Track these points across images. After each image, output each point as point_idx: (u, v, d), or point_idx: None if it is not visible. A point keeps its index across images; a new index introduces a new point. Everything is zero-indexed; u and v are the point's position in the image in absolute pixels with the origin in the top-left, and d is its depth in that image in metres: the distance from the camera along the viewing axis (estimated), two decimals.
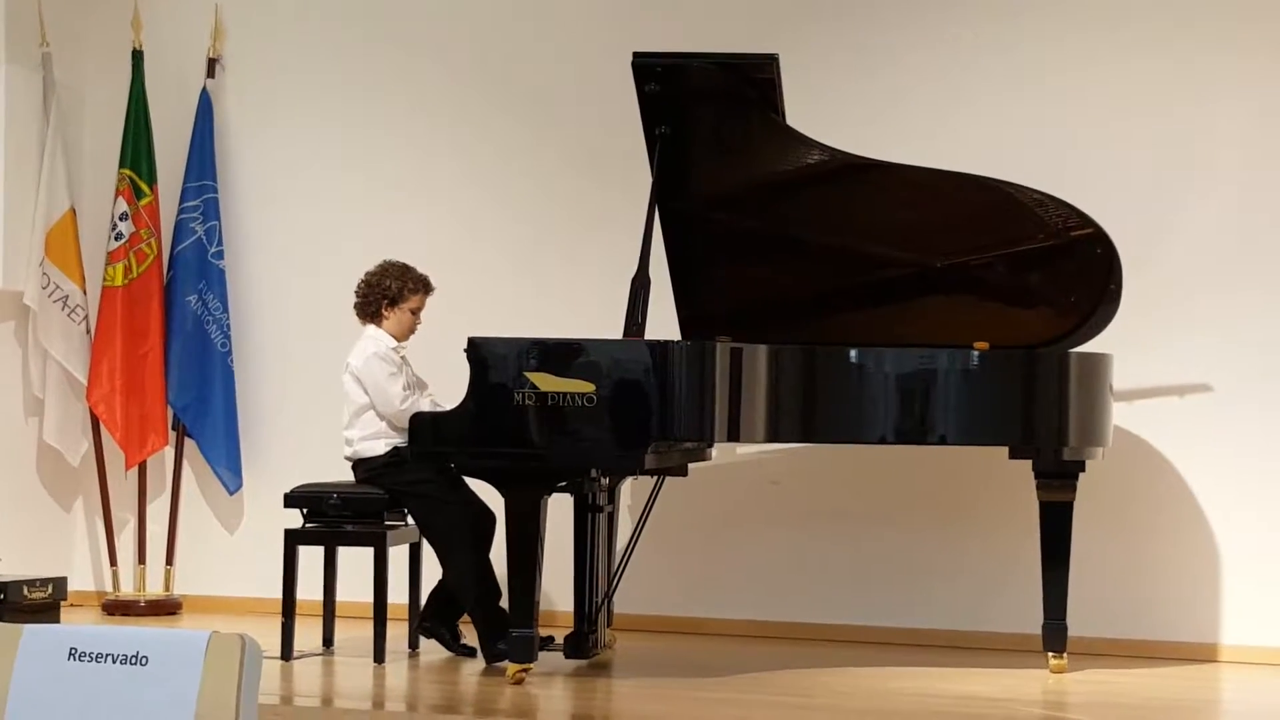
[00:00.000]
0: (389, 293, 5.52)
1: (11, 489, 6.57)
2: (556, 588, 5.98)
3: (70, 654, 2.34)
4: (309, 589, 5.57)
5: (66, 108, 6.72)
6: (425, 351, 5.64)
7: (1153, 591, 5.90)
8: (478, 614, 5.38)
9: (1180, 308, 5.90)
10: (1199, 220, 5.92)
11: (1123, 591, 5.89)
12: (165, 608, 6.69)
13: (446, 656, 5.54)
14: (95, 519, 6.85)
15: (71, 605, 6.35)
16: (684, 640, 6.12)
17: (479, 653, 5.41)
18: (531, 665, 5.04)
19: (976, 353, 5.22)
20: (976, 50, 6.17)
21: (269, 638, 5.09)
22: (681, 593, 6.33)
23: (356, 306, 5.58)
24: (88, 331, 6.69)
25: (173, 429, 6.76)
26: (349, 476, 5.54)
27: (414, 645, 5.66)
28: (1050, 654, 5.36)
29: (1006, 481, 5.70)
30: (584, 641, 5.46)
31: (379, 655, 5.37)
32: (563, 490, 5.22)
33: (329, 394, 5.90)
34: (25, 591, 5.77)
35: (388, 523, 5.46)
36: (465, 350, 4.99)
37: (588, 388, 4.87)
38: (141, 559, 6.76)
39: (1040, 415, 5.29)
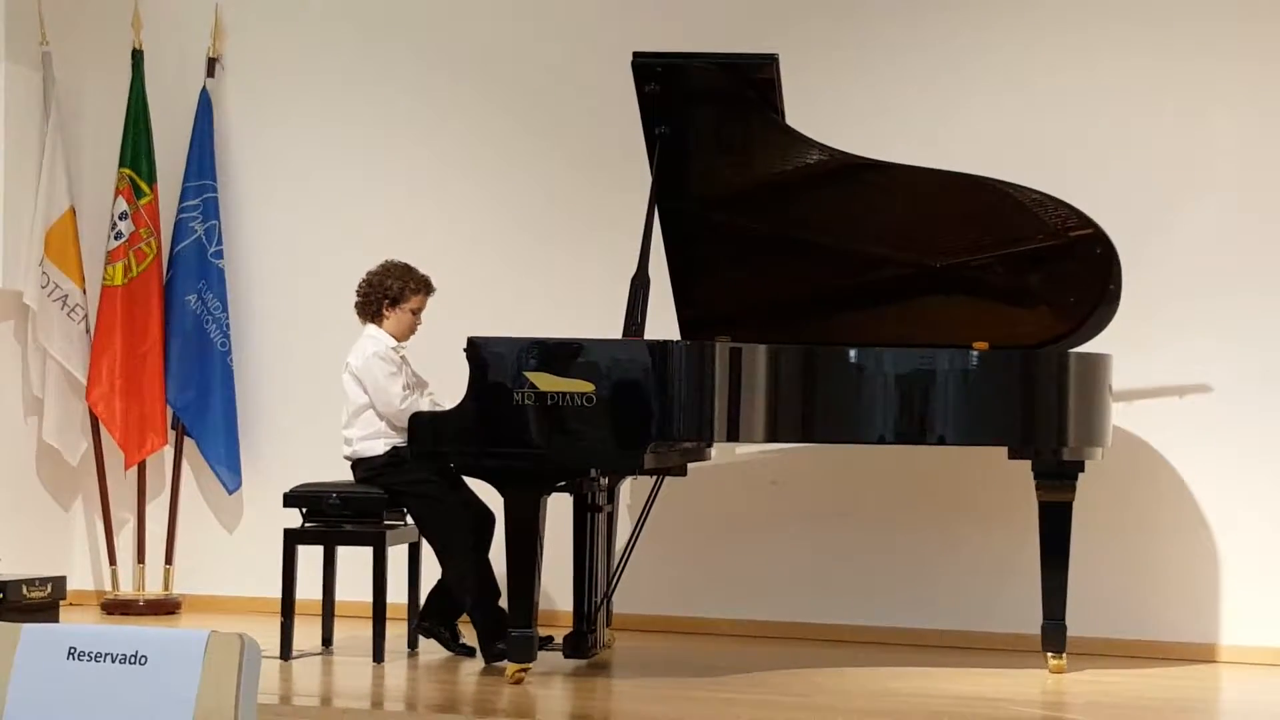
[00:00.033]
0: (390, 292, 5.52)
1: (11, 488, 6.57)
2: (556, 587, 5.98)
3: (69, 653, 2.34)
4: (308, 588, 5.57)
5: (66, 107, 6.73)
6: (425, 351, 5.64)
7: (1152, 592, 5.90)
8: (477, 614, 5.38)
9: (1179, 308, 5.90)
10: (1198, 220, 5.93)
11: (1122, 592, 5.90)
12: (164, 607, 6.69)
13: (446, 656, 5.55)
14: (94, 518, 6.85)
15: (71, 605, 6.35)
16: (683, 640, 6.12)
17: (478, 652, 5.41)
18: (530, 665, 5.04)
19: (976, 353, 5.22)
20: (976, 50, 6.18)
21: (268, 637, 5.09)
22: (681, 593, 6.33)
23: (357, 306, 5.58)
24: (87, 331, 6.69)
25: (172, 428, 6.76)
26: (348, 476, 5.54)
27: (413, 645, 5.66)
28: (1049, 654, 5.36)
29: (1006, 482, 5.70)
30: (583, 641, 5.46)
31: (378, 655, 5.37)
32: (562, 490, 5.22)
33: (328, 393, 5.90)
34: (24, 591, 5.76)
35: (387, 522, 5.46)
36: (465, 350, 4.99)
37: (587, 387, 4.87)
38: (141, 558, 6.76)
39: (1039, 415, 5.29)
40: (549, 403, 4.88)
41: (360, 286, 5.57)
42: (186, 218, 6.72)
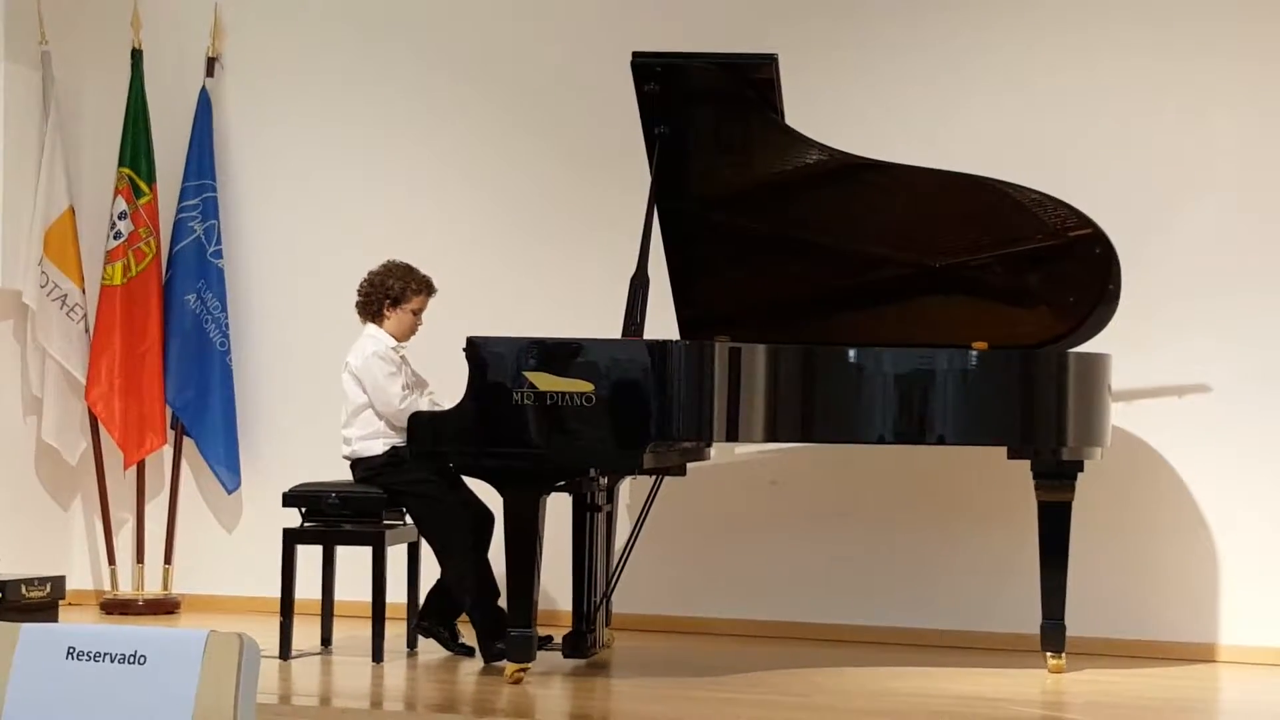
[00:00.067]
0: (391, 293, 5.52)
1: (10, 488, 6.57)
2: (555, 587, 5.98)
3: (68, 653, 2.34)
4: (307, 588, 5.57)
5: (66, 106, 6.72)
6: (425, 350, 5.64)
7: (1151, 592, 5.90)
8: (476, 613, 5.38)
9: (1179, 308, 5.90)
10: (1198, 220, 5.93)
11: (1121, 592, 5.90)
12: (163, 607, 6.69)
13: (445, 656, 5.54)
14: (94, 518, 6.84)
15: (70, 604, 6.34)
16: (682, 640, 6.12)
17: (477, 652, 5.41)
18: (530, 665, 5.04)
19: (975, 353, 5.22)
20: (976, 50, 6.17)
21: (267, 637, 5.09)
22: (680, 592, 6.33)
23: (358, 305, 5.58)
24: (86, 330, 6.69)
25: (171, 428, 6.76)
26: (347, 476, 5.54)
27: (412, 644, 5.66)
28: (1049, 654, 5.36)
29: (1005, 481, 5.70)
30: (582, 641, 5.46)
31: (377, 654, 5.37)
32: (561, 490, 5.22)
33: (328, 393, 5.90)
34: (24, 590, 5.76)
35: (386, 522, 5.46)
36: (464, 349, 4.99)
37: (586, 387, 4.87)
38: (140, 558, 6.76)
39: (1039, 415, 5.29)
40: (548, 402, 4.88)
41: (361, 286, 5.57)
42: (186, 217, 6.72)
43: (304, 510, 5.49)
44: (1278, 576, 5.78)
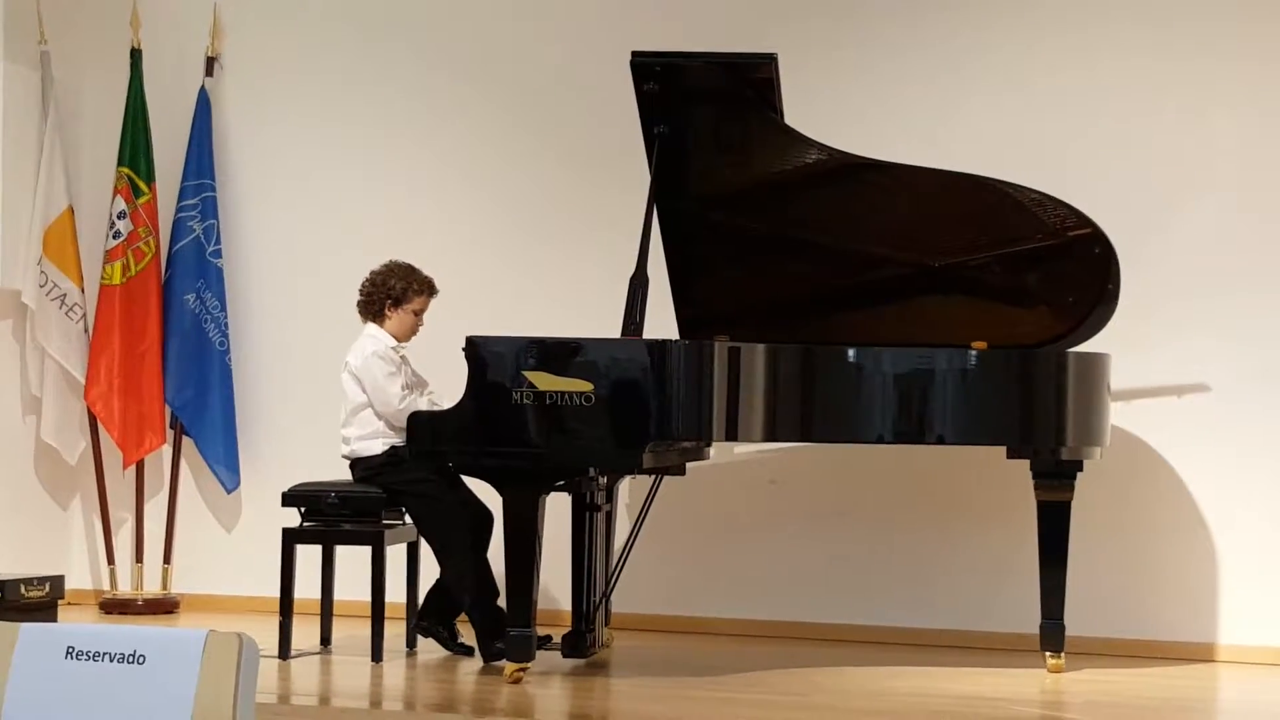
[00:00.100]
0: (393, 293, 5.52)
1: (9, 487, 6.57)
2: (554, 587, 5.98)
3: (67, 653, 2.33)
4: (307, 588, 5.57)
5: (65, 106, 6.72)
6: (425, 350, 5.64)
7: (1150, 591, 5.90)
8: (475, 613, 5.38)
9: (1178, 307, 5.90)
10: (1197, 220, 5.93)
11: (1120, 591, 5.90)
12: (163, 606, 6.69)
13: (444, 655, 5.54)
14: (93, 517, 6.84)
15: (69, 604, 6.34)
16: (681, 639, 6.12)
17: (476, 652, 5.41)
18: (529, 664, 5.04)
19: (974, 352, 5.22)
20: (976, 50, 6.17)
21: (267, 636, 5.08)
22: (679, 592, 6.33)
23: (359, 305, 5.58)
24: (85, 330, 6.69)
25: (170, 427, 6.76)
26: (347, 475, 5.54)
27: (411, 644, 5.66)
28: (1048, 654, 5.36)
29: (1004, 481, 5.70)
30: (581, 640, 5.46)
31: (376, 654, 5.37)
32: (561, 489, 5.21)
33: (327, 393, 5.90)
34: (23, 590, 5.76)
35: (385, 522, 5.46)
36: (463, 349, 4.99)
37: (586, 387, 4.87)
38: (139, 558, 6.76)
39: (1038, 415, 5.29)
40: (548, 402, 4.88)
41: (363, 286, 5.57)
42: (185, 217, 6.72)
43: (303, 510, 5.48)
44: (1277, 576, 5.79)
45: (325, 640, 5.68)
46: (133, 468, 6.73)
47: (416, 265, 5.59)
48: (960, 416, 5.21)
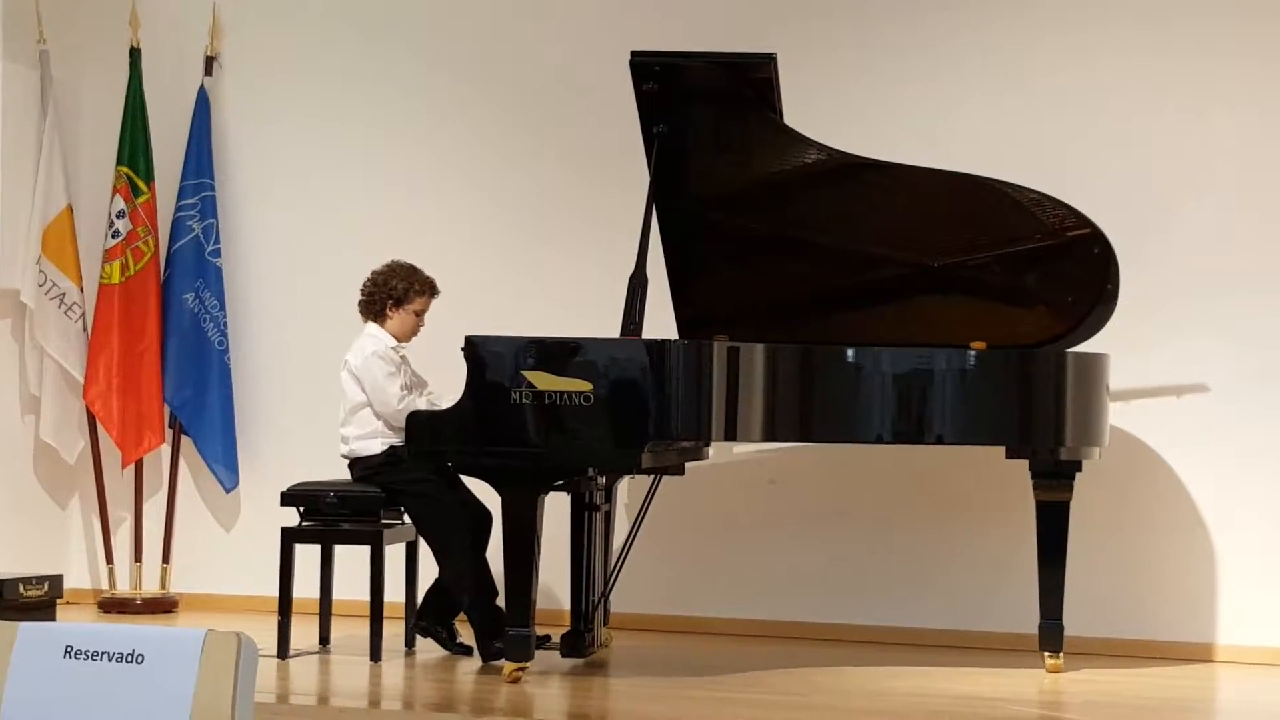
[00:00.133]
0: (395, 293, 5.52)
1: (8, 487, 6.56)
2: (553, 586, 5.98)
3: (66, 652, 2.33)
4: (305, 587, 5.57)
5: (64, 105, 6.72)
6: (425, 350, 5.64)
7: (1149, 591, 5.90)
8: (474, 613, 5.37)
9: (1178, 307, 5.90)
10: (1197, 220, 5.93)
11: (1119, 591, 5.90)
12: (161, 606, 6.69)
13: (443, 655, 5.54)
14: (92, 517, 6.84)
15: (68, 603, 6.34)
16: (680, 639, 6.12)
17: (475, 651, 5.41)
18: (528, 664, 5.04)
19: (973, 353, 5.22)
20: (975, 50, 6.18)
21: (265, 636, 5.08)
22: (678, 592, 6.33)
23: (361, 304, 5.58)
24: (84, 329, 6.68)
25: (169, 427, 6.76)
26: (346, 475, 5.54)
27: (410, 644, 5.66)
28: (1046, 654, 5.36)
29: (1003, 481, 5.70)
30: (580, 640, 5.46)
31: (375, 654, 5.37)
32: (560, 489, 5.21)
33: (326, 392, 5.90)
34: (21, 589, 5.76)
35: (384, 521, 5.46)
36: (462, 349, 4.99)
37: (585, 386, 4.86)
38: (138, 557, 6.76)
39: (1037, 415, 5.29)
40: (547, 402, 4.88)
41: (365, 285, 5.57)
42: (184, 216, 6.72)
43: (302, 509, 5.48)
44: (1276, 576, 5.79)
45: (324, 640, 5.68)
46: (131, 467, 6.73)
47: (418, 265, 5.59)
48: (959, 416, 5.21)
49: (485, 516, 5.44)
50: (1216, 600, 5.85)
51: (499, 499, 5.06)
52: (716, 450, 6.03)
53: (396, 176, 6.71)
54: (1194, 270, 5.90)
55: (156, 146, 6.74)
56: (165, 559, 6.78)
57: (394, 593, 5.54)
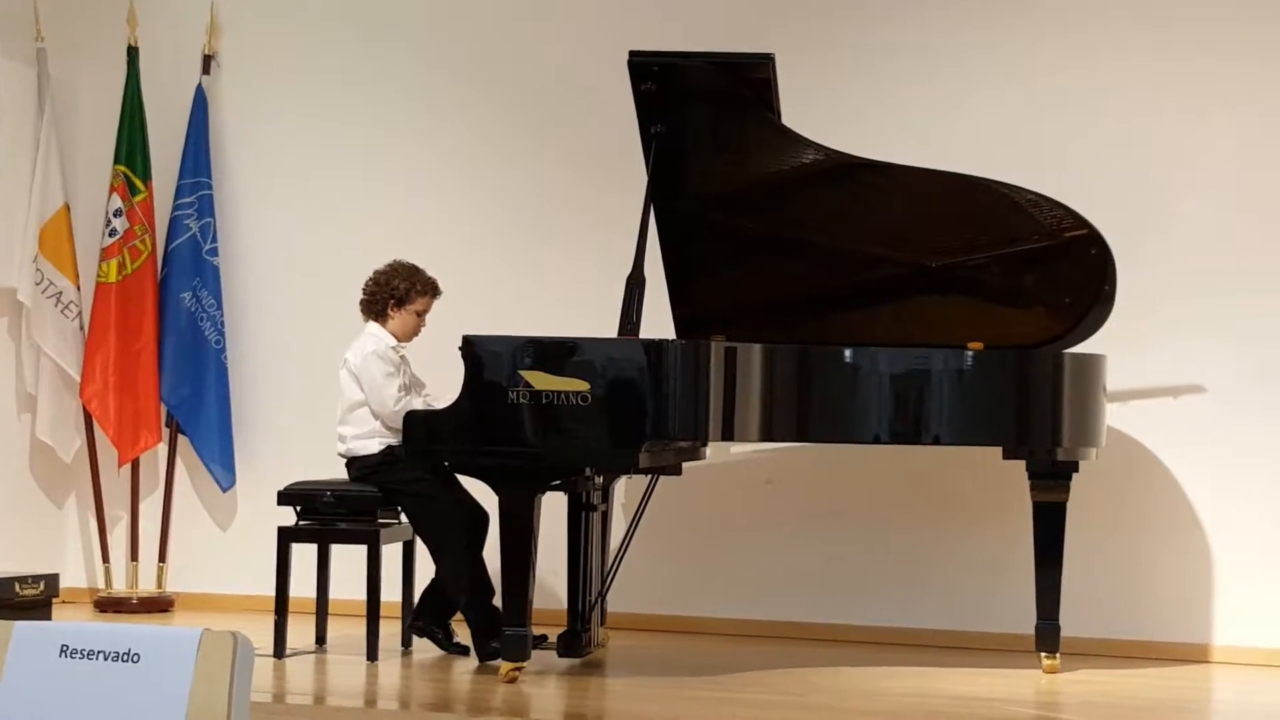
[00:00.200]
0: (396, 293, 5.51)
1: (4, 486, 6.56)
2: (550, 586, 5.98)
3: (62, 651, 2.33)
4: (302, 586, 5.56)
5: (61, 103, 6.71)
6: (425, 350, 5.63)
7: (1146, 592, 5.90)
8: (471, 612, 5.37)
9: (1175, 307, 5.90)
10: (1194, 221, 5.93)
11: (1116, 592, 5.90)
12: (158, 605, 6.68)
13: (439, 655, 5.54)
14: (88, 516, 6.84)
15: (64, 602, 6.33)
16: (677, 639, 6.12)
17: (472, 651, 5.40)
18: (524, 664, 5.03)
19: (971, 353, 5.22)
20: (974, 50, 6.18)
21: (262, 635, 5.08)
22: (675, 592, 6.33)
23: (362, 303, 5.57)
24: (81, 328, 6.68)
25: (166, 426, 6.76)
26: (343, 474, 5.54)
27: (407, 643, 5.66)
28: (1043, 654, 5.36)
29: (1000, 482, 5.70)
30: (577, 640, 5.46)
31: (372, 653, 5.37)
32: (557, 489, 5.21)
33: (323, 391, 5.90)
34: (17, 588, 5.76)
35: (381, 520, 5.45)
36: (460, 348, 4.98)
37: (582, 386, 4.86)
38: (134, 556, 6.75)
39: (1034, 416, 5.29)
40: (544, 401, 4.88)
41: (366, 285, 5.57)
42: (181, 215, 6.72)
43: (299, 509, 5.48)
44: (1272, 576, 5.79)
45: (320, 639, 5.68)
46: (128, 466, 6.73)
47: (419, 265, 5.59)
48: (956, 417, 5.21)
49: (482, 516, 5.44)
50: (1213, 601, 5.85)
51: (496, 498, 5.06)
52: (714, 450, 6.03)
53: (396, 176, 6.71)
54: (1192, 270, 5.90)
55: (154, 145, 6.74)
56: (162, 558, 6.77)
57: (390, 592, 5.53)
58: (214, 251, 6.72)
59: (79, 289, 6.65)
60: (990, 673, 5.41)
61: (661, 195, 5.39)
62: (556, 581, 5.75)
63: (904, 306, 5.60)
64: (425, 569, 5.59)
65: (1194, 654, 5.81)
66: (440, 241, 6.42)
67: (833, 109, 6.09)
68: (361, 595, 5.40)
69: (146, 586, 6.76)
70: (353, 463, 5.48)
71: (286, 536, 5.45)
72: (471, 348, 4.97)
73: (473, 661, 5.36)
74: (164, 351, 6.70)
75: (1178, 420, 5.90)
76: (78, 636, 2.34)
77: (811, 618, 6.18)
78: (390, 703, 4.98)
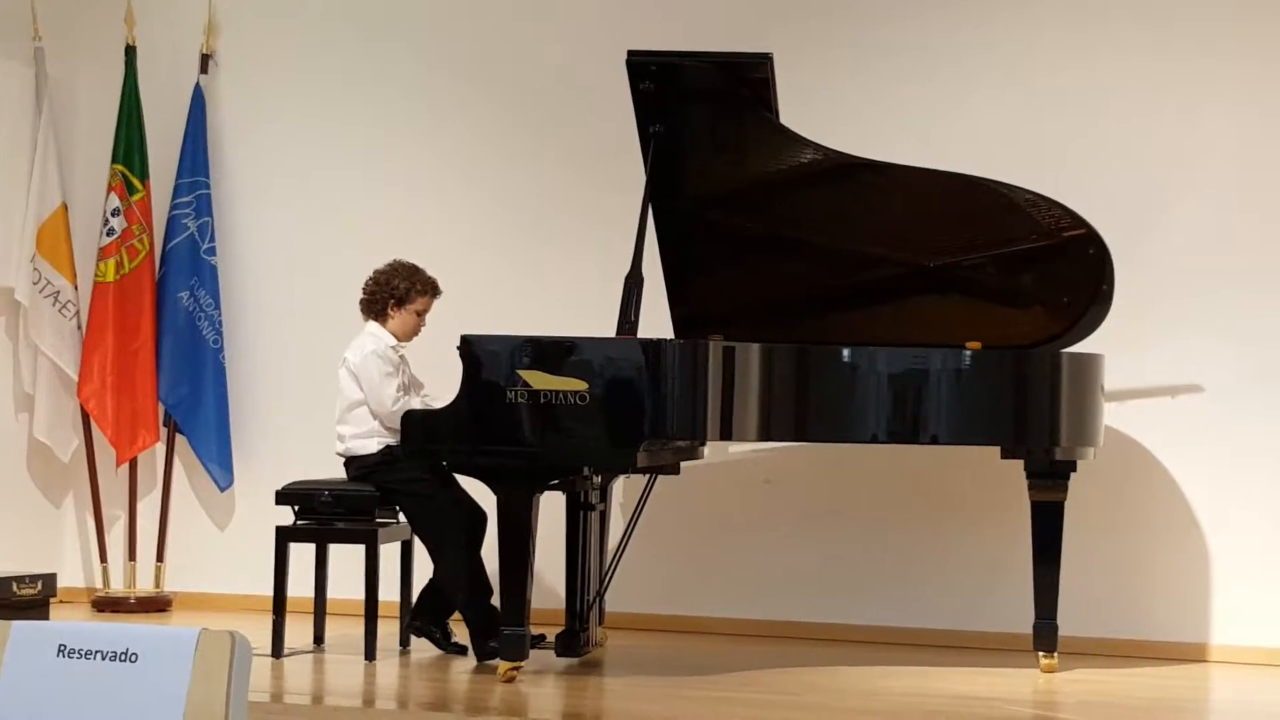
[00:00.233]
0: (397, 292, 5.51)
1: (1, 485, 6.56)
2: (548, 586, 5.97)
3: (59, 651, 2.33)
4: (300, 586, 5.56)
5: (59, 103, 6.71)
6: (425, 350, 5.63)
7: (1143, 591, 5.90)
8: (469, 612, 5.37)
9: (1173, 307, 5.90)
10: (1192, 220, 5.93)
11: (1113, 591, 5.90)
12: (156, 604, 6.68)
13: (437, 654, 5.54)
14: (86, 515, 6.83)
15: (61, 602, 6.33)
16: (675, 639, 6.11)
17: (470, 651, 5.40)
18: (522, 663, 5.03)
19: (969, 353, 5.22)
20: (973, 49, 6.17)
21: (260, 635, 5.08)
22: (673, 591, 6.33)
23: (362, 303, 5.57)
24: (79, 327, 6.67)
25: (164, 425, 6.75)
26: (341, 473, 5.54)
27: (405, 643, 5.65)
28: (1041, 653, 5.36)
29: (998, 481, 5.70)
30: (575, 640, 5.46)
31: (370, 653, 5.36)
32: (555, 488, 5.21)
33: (321, 391, 5.90)
34: (15, 588, 5.75)
35: (379, 520, 5.45)
36: (458, 348, 4.98)
37: (580, 386, 4.86)
38: (132, 555, 6.75)
39: (1032, 415, 5.29)
40: (542, 401, 4.87)
41: (367, 284, 5.56)
42: (179, 214, 6.71)
43: (297, 508, 5.47)
44: (1270, 576, 5.79)
45: (318, 639, 5.68)
46: (126, 465, 6.72)
47: (419, 265, 5.59)
48: (954, 416, 5.21)
49: (480, 516, 5.44)
50: (1211, 600, 5.86)
51: (494, 498, 5.05)
52: (712, 450, 6.03)
53: (396, 176, 6.70)
54: (1190, 270, 5.90)
55: (152, 144, 6.74)
56: (159, 558, 6.77)
57: (389, 592, 5.53)
58: (212, 251, 6.72)
59: (76, 288, 6.65)
60: (988, 672, 5.41)
61: (660, 195, 5.38)
62: (555, 581, 5.74)
63: (902, 306, 5.60)
64: (423, 568, 5.59)
65: (1192, 653, 5.81)
66: (440, 241, 6.41)
67: (832, 109, 6.09)
68: (359, 595, 5.39)
69: (144, 586, 6.76)
70: (351, 462, 5.48)
71: (284, 536, 5.45)
72: (470, 347, 4.96)
73: (471, 661, 5.36)
74: (162, 351, 6.70)
75: (1176, 420, 5.90)
76: (75, 636, 2.34)
77: (810, 617, 6.18)
78: (388, 702, 4.98)
